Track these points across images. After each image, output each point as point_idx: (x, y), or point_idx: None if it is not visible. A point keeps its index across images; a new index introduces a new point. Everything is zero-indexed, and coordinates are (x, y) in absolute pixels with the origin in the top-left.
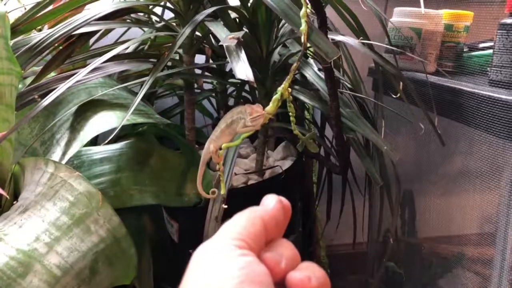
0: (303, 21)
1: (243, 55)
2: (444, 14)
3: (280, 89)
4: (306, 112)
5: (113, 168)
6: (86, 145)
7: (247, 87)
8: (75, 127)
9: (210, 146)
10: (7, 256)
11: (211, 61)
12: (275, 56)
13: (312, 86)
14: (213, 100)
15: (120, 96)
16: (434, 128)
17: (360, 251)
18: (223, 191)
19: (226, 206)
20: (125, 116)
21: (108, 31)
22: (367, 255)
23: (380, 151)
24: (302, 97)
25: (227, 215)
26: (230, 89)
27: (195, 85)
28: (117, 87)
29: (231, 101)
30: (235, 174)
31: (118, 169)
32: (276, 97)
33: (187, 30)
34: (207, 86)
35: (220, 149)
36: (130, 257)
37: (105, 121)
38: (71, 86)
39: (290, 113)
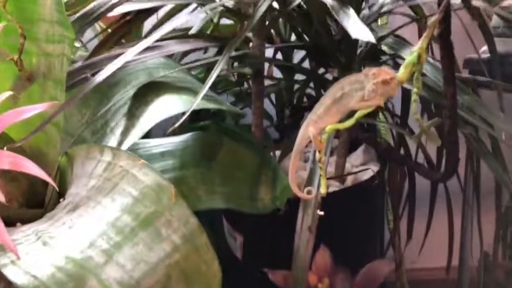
0: None
1: (351, 12)
2: None
3: (416, 49)
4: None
5: (177, 164)
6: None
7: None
8: (133, 113)
9: (309, 128)
10: (53, 266)
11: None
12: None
13: None
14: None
15: (185, 80)
16: None
17: (448, 277)
18: (324, 190)
19: (322, 213)
20: (194, 101)
21: (171, 14)
22: (458, 282)
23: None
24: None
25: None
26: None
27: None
28: (182, 67)
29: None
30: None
31: (182, 165)
32: (410, 59)
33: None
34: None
35: (321, 132)
36: (213, 274)
37: (169, 105)
38: (128, 65)
39: (416, 90)
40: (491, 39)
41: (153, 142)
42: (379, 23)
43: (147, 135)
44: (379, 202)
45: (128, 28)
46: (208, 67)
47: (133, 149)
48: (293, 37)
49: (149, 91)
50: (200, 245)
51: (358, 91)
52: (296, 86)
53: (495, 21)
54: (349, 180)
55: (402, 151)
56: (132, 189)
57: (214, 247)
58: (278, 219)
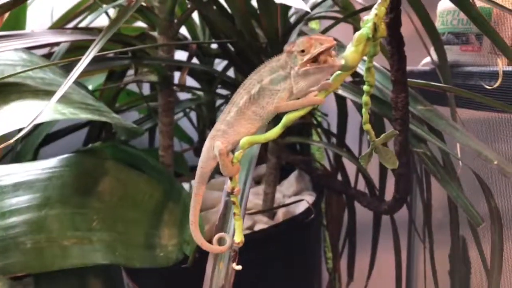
0: None
1: None
2: None
3: (370, 17)
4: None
5: (35, 201)
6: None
7: None
8: None
9: (214, 143)
10: None
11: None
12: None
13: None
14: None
15: (53, 82)
16: None
17: None
18: (238, 238)
19: (239, 267)
20: (62, 110)
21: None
22: None
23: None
24: (342, 93)
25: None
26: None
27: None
28: (45, 64)
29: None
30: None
31: (44, 203)
32: (363, 32)
33: None
34: (183, 97)
35: (234, 149)
36: None
37: (22, 113)
38: None
39: (366, 84)
40: (441, 46)
41: (3, 169)
42: (310, 26)
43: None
44: (315, 238)
45: None
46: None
47: None
48: (214, 46)
49: None
50: None
51: (282, 82)
52: (219, 102)
53: (438, 27)
54: (280, 214)
55: (339, 177)
56: None
57: None
58: (187, 270)
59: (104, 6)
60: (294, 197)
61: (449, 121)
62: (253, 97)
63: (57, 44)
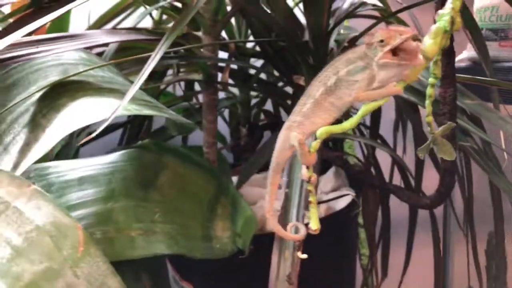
0: None
1: None
2: None
3: (447, 10)
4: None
5: (100, 194)
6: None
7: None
8: (38, 122)
9: (291, 133)
10: None
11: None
12: (332, 41)
13: None
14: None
15: (113, 80)
16: None
17: None
18: (316, 225)
19: (305, 256)
20: (126, 106)
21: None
22: None
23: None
24: None
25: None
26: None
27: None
28: (106, 63)
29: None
30: (277, 210)
31: (109, 196)
32: (440, 25)
33: None
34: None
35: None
36: None
37: (89, 111)
38: (34, 57)
39: (432, 77)
40: (482, 41)
41: (68, 164)
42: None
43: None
44: (353, 235)
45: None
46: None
47: (41, 173)
48: (249, 45)
49: (62, 93)
50: None
51: (361, 73)
52: (253, 101)
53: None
54: (322, 210)
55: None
56: (13, 234)
57: None
58: (240, 263)
59: (148, 7)
60: (333, 193)
61: (498, 114)
62: (329, 88)
63: (106, 45)
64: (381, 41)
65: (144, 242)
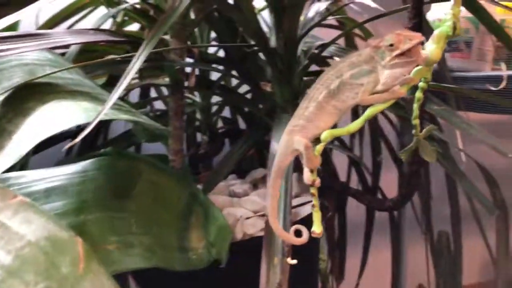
0: None
1: None
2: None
3: (449, 16)
4: None
5: (71, 206)
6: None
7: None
8: (2, 128)
9: (294, 138)
10: None
11: None
12: (301, 47)
13: None
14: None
15: (82, 83)
16: None
17: None
18: (318, 229)
19: (294, 261)
20: (100, 110)
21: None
22: None
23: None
24: None
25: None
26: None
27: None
28: (76, 65)
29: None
30: (246, 218)
31: (80, 207)
32: (443, 30)
33: None
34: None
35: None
36: None
37: (62, 115)
38: None
39: (423, 81)
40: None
41: (31, 175)
42: None
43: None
44: (315, 240)
45: None
46: (113, 72)
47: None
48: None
49: (30, 95)
50: None
51: (366, 76)
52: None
53: None
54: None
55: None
56: (2, 252)
57: None
58: (216, 274)
59: (110, 9)
60: (296, 200)
61: (464, 119)
62: (332, 91)
63: (68, 46)
64: (391, 45)
65: (121, 255)
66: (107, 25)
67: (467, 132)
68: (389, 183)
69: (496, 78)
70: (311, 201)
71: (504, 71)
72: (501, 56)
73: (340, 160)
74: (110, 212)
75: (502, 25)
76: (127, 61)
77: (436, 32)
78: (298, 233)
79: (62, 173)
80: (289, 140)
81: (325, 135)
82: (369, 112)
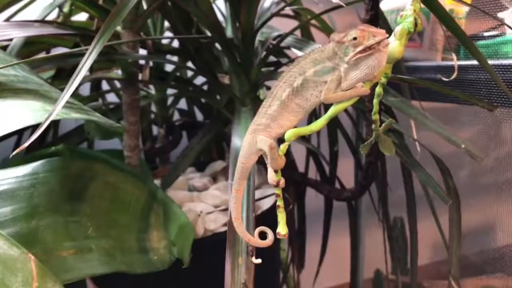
0: None
1: None
2: None
3: (410, 12)
4: None
5: (21, 211)
6: None
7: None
8: None
9: (258, 137)
10: None
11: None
12: (258, 39)
13: None
14: None
15: (28, 80)
16: None
17: None
18: (283, 230)
19: (259, 261)
20: (50, 110)
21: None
22: None
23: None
24: None
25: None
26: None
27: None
28: (21, 61)
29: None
30: (206, 213)
31: (32, 212)
32: (405, 26)
33: None
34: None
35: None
36: None
37: (8, 115)
38: None
39: (384, 76)
40: None
41: None
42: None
43: None
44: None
45: None
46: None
47: None
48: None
49: None
50: None
51: (329, 74)
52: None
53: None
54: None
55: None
56: None
57: None
58: (176, 276)
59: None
60: (258, 191)
61: (419, 110)
62: (296, 89)
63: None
64: (354, 38)
65: (79, 262)
66: (53, 14)
67: (422, 123)
68: (346, 171)
69: (446, 67)
70: (272, 194)
71: (455, 61)
72: (451, 46)
73: (298, 151)
74: (64, 216)
75: (451, 14)
76: (77, 55)
77: (398, 29)
78: (262, 235)
79: (10, 175)
80: (253, 139)
81: (289, 135)
82: (333, 111)
